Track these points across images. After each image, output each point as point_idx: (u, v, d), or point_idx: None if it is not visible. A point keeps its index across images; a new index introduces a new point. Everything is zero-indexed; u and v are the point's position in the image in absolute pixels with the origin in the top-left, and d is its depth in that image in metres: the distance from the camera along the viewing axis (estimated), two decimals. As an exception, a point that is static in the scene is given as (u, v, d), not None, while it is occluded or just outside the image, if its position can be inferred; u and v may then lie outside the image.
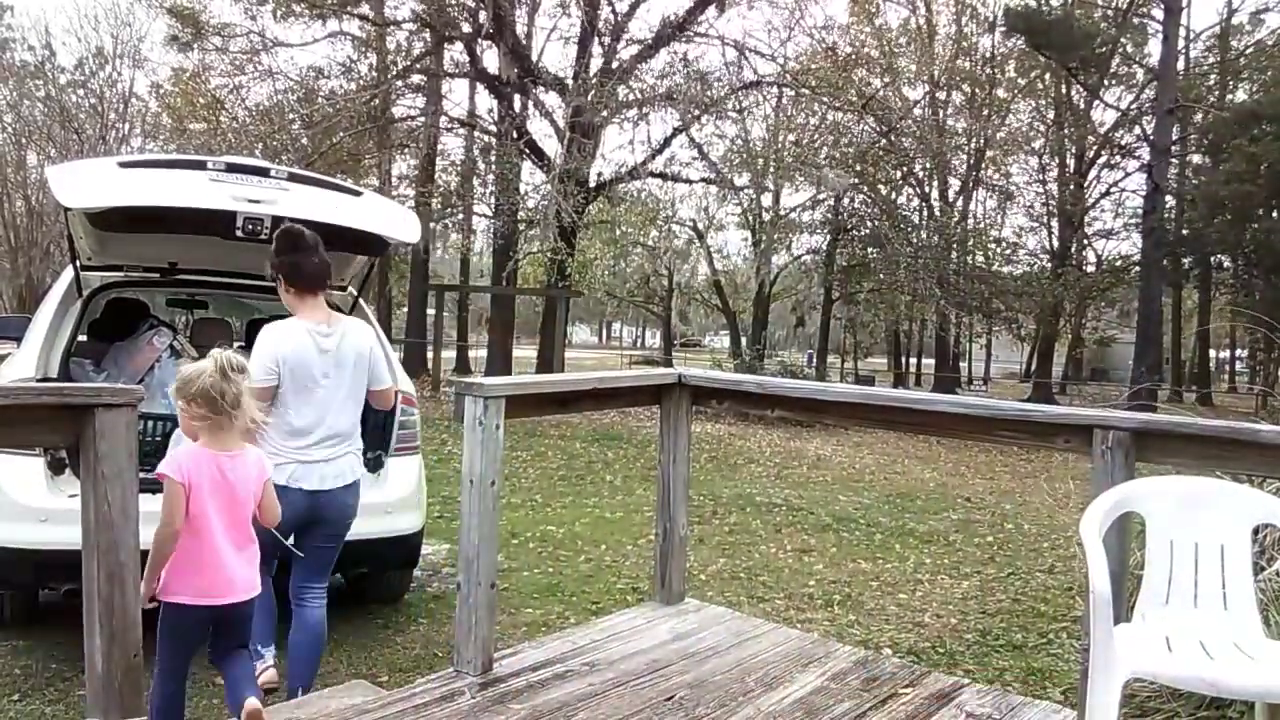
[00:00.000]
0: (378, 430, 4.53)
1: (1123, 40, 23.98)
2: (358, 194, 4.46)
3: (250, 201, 3.86)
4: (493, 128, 19.12)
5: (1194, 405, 26.01)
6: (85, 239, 4.46)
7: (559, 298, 18.48)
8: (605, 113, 16.51)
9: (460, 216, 20.76)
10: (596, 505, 8.15)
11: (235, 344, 5.84)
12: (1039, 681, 4.19)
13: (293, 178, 4.14)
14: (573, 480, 9.39)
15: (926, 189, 27.98)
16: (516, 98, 18.35)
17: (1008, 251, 29.01)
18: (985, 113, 25.85)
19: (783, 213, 25.93)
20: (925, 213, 26.72)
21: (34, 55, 25.48)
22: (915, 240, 22.78)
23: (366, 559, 4.53)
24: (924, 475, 11.52)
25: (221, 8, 29.88)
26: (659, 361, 32.20)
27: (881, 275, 24.28)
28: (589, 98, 15.94)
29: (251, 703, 2.51)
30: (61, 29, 56.22)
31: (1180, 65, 23.73)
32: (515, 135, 17.73)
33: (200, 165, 4.00)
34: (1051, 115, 28.97)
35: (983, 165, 27.14)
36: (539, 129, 18.76)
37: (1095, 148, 28.43)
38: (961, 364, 32.73)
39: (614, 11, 18.00)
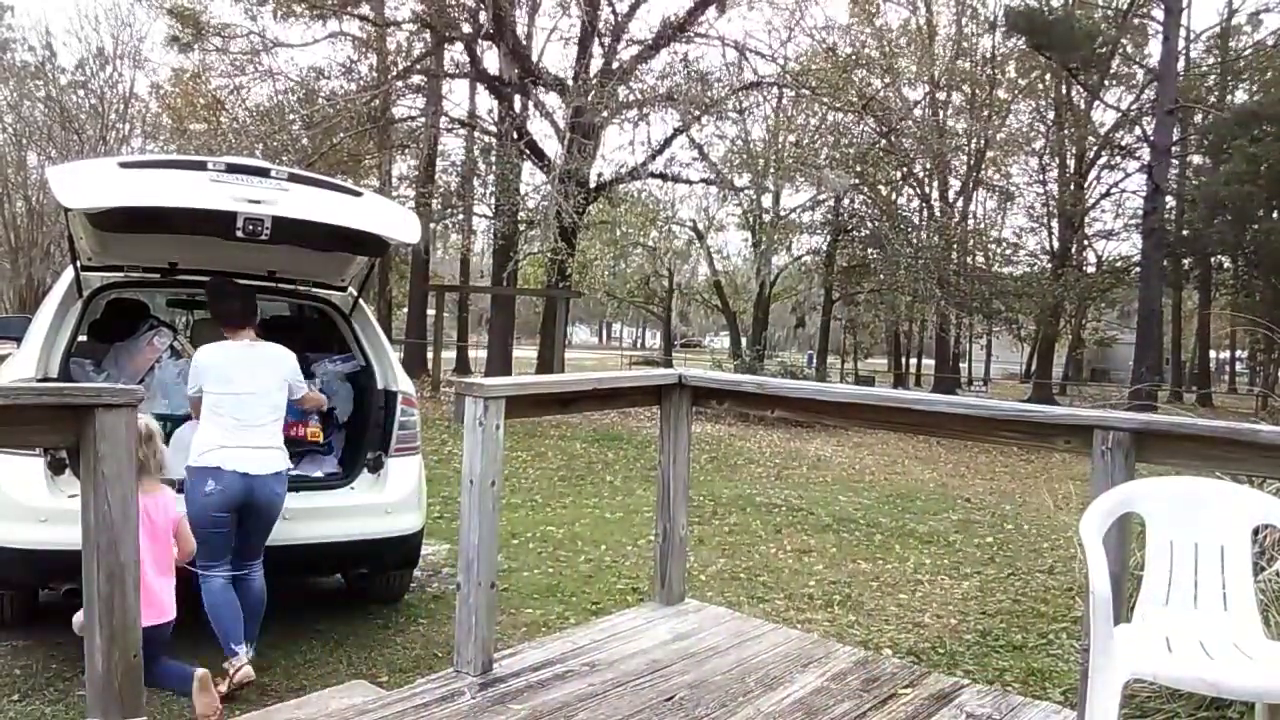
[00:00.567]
0: (377, 430, 4.54)
1: (1123, 40, 23.97)
2: (358, 194, 4.45)
3: (250, 202, 3.86)
4: (493, 128, 19.12)
5: (1194, 406, 26.01)
6: (85, 239, 4.46)
7: (559, 298, 18.48)
8: (605, 113, 16.51)
9: (460, 217, 20.75)
10: (596, 505, 8.15)
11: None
12: (1039, 682, 4.19)
13: (293, 178, 4.14)
14: (573, 480, 9.39)
15: (926, 189, 27.98)
16: (517, 98, 18.35)
17: (1008, 252, 29.05)
18: (985, 113, 25.85)
19: (783, 213, 25.92)
20: (925, 213, 26.73)
21: (34, 56, 25.52)
22: (915, 241, 22.77)
23: (366, 559, 4.54)
24: (924, 476, 11.52)
25: (222, 8, 29.78)
26: (659, 362, 32.21)
27: (881, 276, 24.28)
28: (589, 98, 15.94)
29: None
30: (62, 29, 56.30)
31: (1180, 65, 23.73)
32: (515, 136, 17.73)
33: (200, 166, 3.99)
34: (1051, 116, 28.97)
35: (983, 166, 27.15)
36: (539, 129, 18.78)
37: (1095, 148, 28.43)
38: (961, 364, 32.73)
39: (614, 12, 18.01)
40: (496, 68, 18.55)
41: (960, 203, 28.30)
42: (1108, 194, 29.80)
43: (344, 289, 5.17)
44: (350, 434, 4.82)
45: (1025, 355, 36.04)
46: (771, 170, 21.36)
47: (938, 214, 26.44)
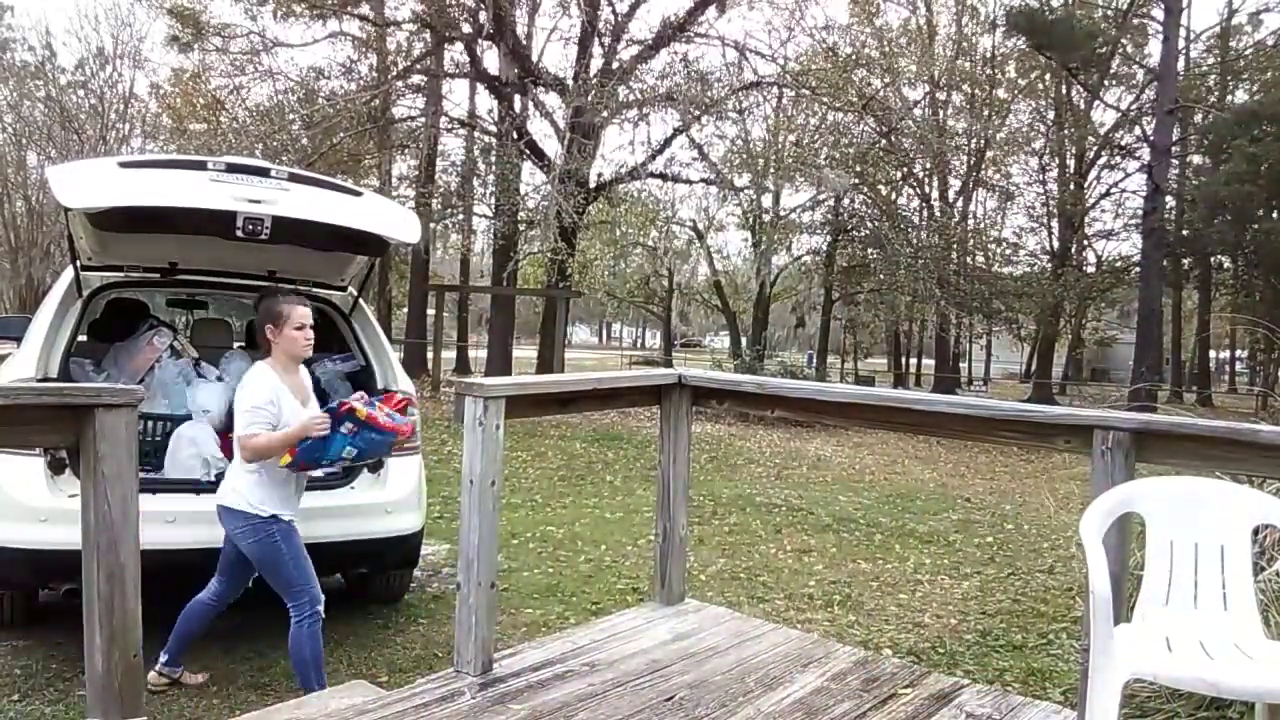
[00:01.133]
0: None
1: (1123, 40, 23.97)
2: (358, 194, 4.45)
3: (250, 202, 3.86)
4: (493, 128, 19.12)
5: (1194, 406, 26.01)
6: (85, 239, 4.46)
7: (559, 298, 18.48)
8: (605, 113, 16.51)
9: (460, 217, 20.75)
10: (596, 505, 8.15)
11: (236, 344, 5.85)
12: (1039, 682, 4.19)
13: (293, 178, 4.14)
14: (573, 480, 9.39)
15: (926, 189, 27.98)
16: (516, 98, 18.34)
17: (1008, 252, 29.04)
18: (985, 113, 25.84)
19: (783, 213, 25.92)
20: (925, 213, 26.72)
21: (34, 56, 25.54)
22: (915, 241, 22.77)
23: (366, 559, 4.54)
24: (924, 476, 11.52)
25: (222, 8, 29.78)
26: (659, 362, 32.20)
27: (881, 276, 24.28)
28: (589, 98, 15.94)
29: None
30: (62, 29, 56.27)
31: (1180, 65, 23.73)
32: (515, 136, 17.73)
33: (200, 165, 3.99)
34: (1051, 115, 28.96)
35: (983, 165, 27.13)
36: (539, 129, 18.78)
37: (1095, 148, 28.42)
38: (961, 364, 32.72)
39: (614, 12, 18.01)
40: (496, 68, 18.55)
41: (960, 203, 28.30)
42: (1108, 194, 29.82)
43: (344, 289, 5.17)
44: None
45: (1025, 355, 36.04)
46: (771, 170, 21.37)
47: (938, 214, 26.43)
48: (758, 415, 13.30)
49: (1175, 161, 23.77)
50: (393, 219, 4.46)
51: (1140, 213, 23.00)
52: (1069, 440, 2.89)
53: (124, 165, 4.01)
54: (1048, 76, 27.61)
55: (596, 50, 17.65)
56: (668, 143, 18.61)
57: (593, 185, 17.79)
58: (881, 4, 25.38)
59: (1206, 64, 28.22)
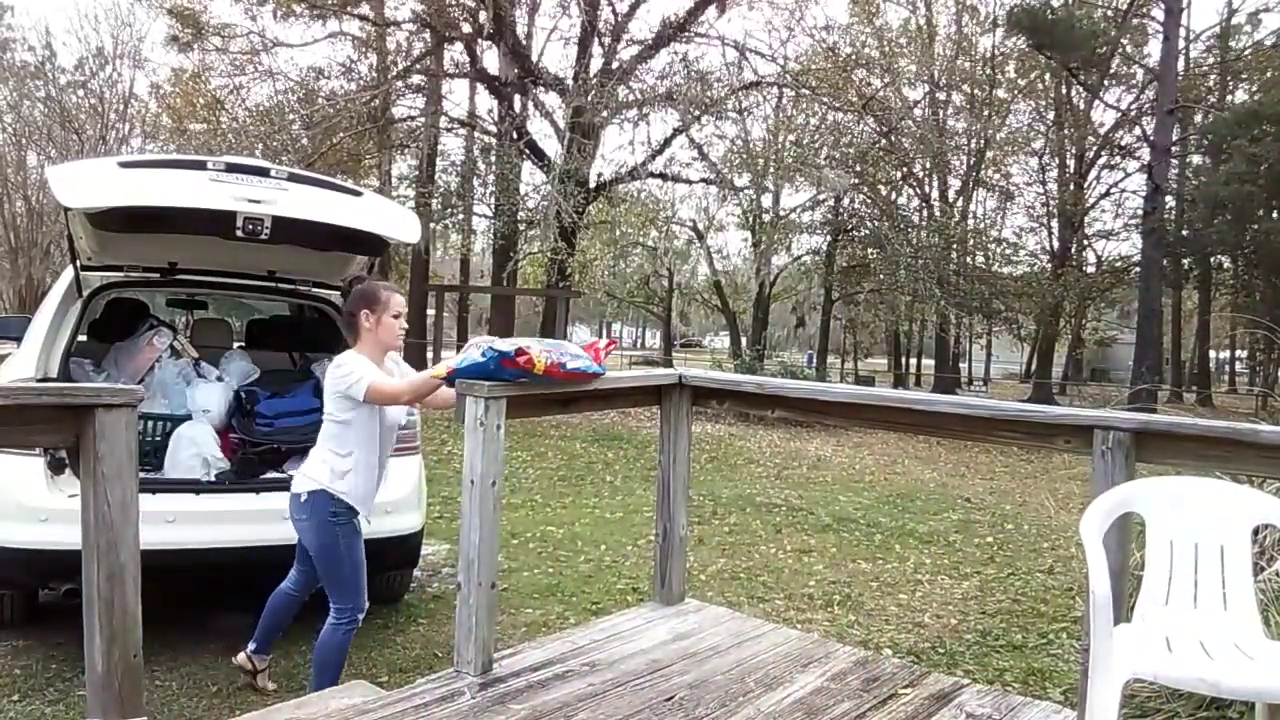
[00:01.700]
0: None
1: (1123, 40, 23.97)
2: (358, 194, 4.46)
3: (250, 201, 3.86)
4: (493, 128, 19.11)
5: (1194, 406, 26.01)
6: (85, 239, 4.46)
7: (559, 298, 18.47)
8: (605, 113, 16.51)
9: (460, 217, 20.73)
10: (596, 505, 8.15)
11: (236, 344, 5.85)
12: (1039, 682, 4.19)
13: (293, 178, 4.14)
14: (573, 480, 9.39)
15: (926, 189, 27.97)
16: (516, 98, 18.34)
17: (1008, 252, 29.02)
18: (985, 113, 25.84)
19: (783, 213, 25.90)
20: (925, 213, 26.71)
21: (34, 56, 25.53)
22: (915, 240, 22.75)
23: (367, 559, 4.53)
24: (924, 476, 11.52)
25: (221, 8, 29.86)
26: (659, 362, 32.18)
27: (881, 276, 24.26)
28: (589, 98, 15.94)
29: None
30: (62, 29, 56.28)
31: (1180, 65, 23.72)
32: (515, 135, 17.73)
33: (200, 165, 3.99)
34: (1051, 115, 28.95)
35: (983, 165, 27.12)
36: (539, 129, 18.77)
37: (1095, 148, 28.41)
38: (961, 364, 32.71)
39: (614, 12, 18.01)
40: (496, 68, 18.55)
41: (960, 202, 28.28)
42: (1108, 194, 29.81)
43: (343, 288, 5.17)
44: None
45: (1025, 355, 36.03)
46: (771, 170, 21.37)
47: (938, 214, 26.41)
48: (758, 415, 13.29)
49: (1175, 161, 23.76)
50: (392, 219, 4.46)
51: (1140, 213, 22.99)
52: (1069, 440, 2.89)
53: (124, 165, 4.01)
54: (1048, 76, 27.60)
55: (596, 50, 17.66)
56: (668, 143, 18.62)
57: (593, 185, 17.78)
58: (881, 4, 25.38)
59: (1206, 64, 28.21)
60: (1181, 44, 23.94)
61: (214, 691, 3.72)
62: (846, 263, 26.64)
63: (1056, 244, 29.71)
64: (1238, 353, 37.47)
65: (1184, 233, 22.91)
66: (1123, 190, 29.43)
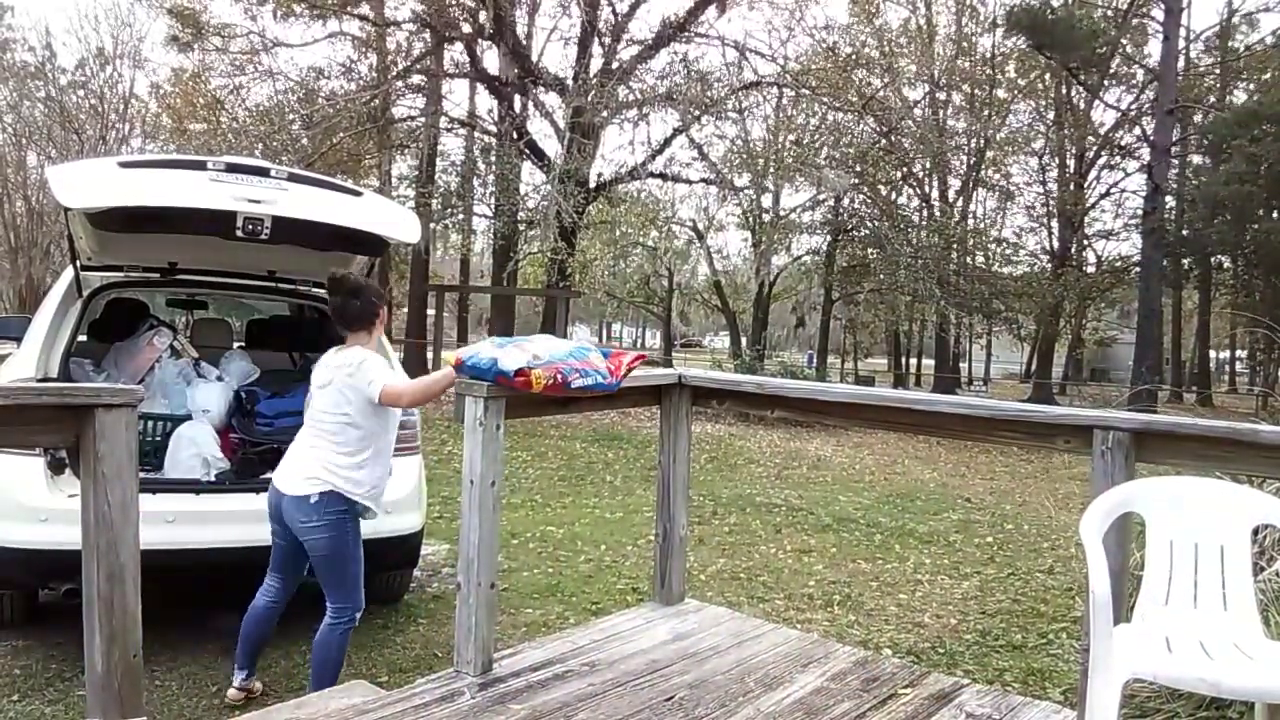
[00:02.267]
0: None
1: (1123, 40, 23.97)
2: (358, 194, 4.46)
3: (250, 201, 3.86)
4: (493, 128, 19.11)
5: (1194, 406, 26.02)
6: (85, 239, 4.46)
7: (559, 298, 18.47)
8: (605, 113, 16.50)
9: (460, 217, 20.73)
10: (596, 505, 8.15)
11: (236, 344, 5.85)
12: (1039, 682, 4.19)
13: (293, 178, 4.14)
14: (573, 480, 9.39)
15: (926, 189, 27.96)
16: (516, 98, 18.34)
17: (1008, 252, 29.02)
18: (985, 113, 25.84)
19: (783, 213, 25.89)
20: (925, 213, 26.70)
21: (34, 56, 25.55)
22: (915, 240, 22.74)
23: (366, 559, 4.53)
24: (924, 476, 11.51)
25: (221, 8, 29.90)
26: (659, 362, 32.18)
27: (881, 276, 24.25)
28: (589, 98, 15.93)
29: None
30: (62, 29, 56.31)
31: (1180, 65, 23.72)
32: (515, 135, 17.73)
33: (200, 165, 3.99)
34: (1051, 115, 28.95)
35: (983, 165, 27.12)
36: (539, 129, 18.77)
37: (1095, 148, 28.41)
38: (961, 364, 32.70)
39: (614, 12, 18.00)
40: (496, 68, 18.54)
41: (960, 202, 28.28)
42: (1108, 194, 29.81)
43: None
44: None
45: (1025, 355, 36.02)
46: (771, 170, 21.36)
47: (938, 214, 26.41)
48: (758, 415, 13.29)
49: (1175, 161, 23.76)
50: (392, 219, 4.46)
51: (1140, 213, 22.99)
52: (1069, 440, 2.89)
53: (124, 165, 4.01)
54: (1048, 76, 27.60)
55: (596, 50, 17.65)
56: (668, 143, 18.62)
57: (593, 185, 17.78)
58: (881, 4, 25.38)
59: (1206, 64, 28.21)
60: (1181, 44, 23.95)
61: (214, 691, 3.72)
62: (846, 263, 26.63)
63: (1056, 244, 29.71)
64: (1238, 353, 37.49)
65: (1184, 233, 22.91)
66: (1123, 190, 29.47)
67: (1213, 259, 25.63)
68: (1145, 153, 24.36)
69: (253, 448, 4.49)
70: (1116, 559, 2.54)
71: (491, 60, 18.83)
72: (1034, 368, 30.97)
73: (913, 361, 36.48)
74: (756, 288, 26.31)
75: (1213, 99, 25.86)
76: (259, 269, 4.83)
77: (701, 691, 2.94)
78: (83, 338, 4.67)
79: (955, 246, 24.18)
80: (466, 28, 17.80)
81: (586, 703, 2.83)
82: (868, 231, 24.41)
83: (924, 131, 22.97)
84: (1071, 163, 29.15)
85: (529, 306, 32.06)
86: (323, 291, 5.05)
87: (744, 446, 12.91)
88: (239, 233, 3.90)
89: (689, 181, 20.77)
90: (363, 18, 19.04)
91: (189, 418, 4.45)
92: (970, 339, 31.63)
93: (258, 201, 3.87)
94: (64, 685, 3.71)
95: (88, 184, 3.93)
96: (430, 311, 23.36)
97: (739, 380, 4.02)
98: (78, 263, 4.52)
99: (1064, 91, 28.23)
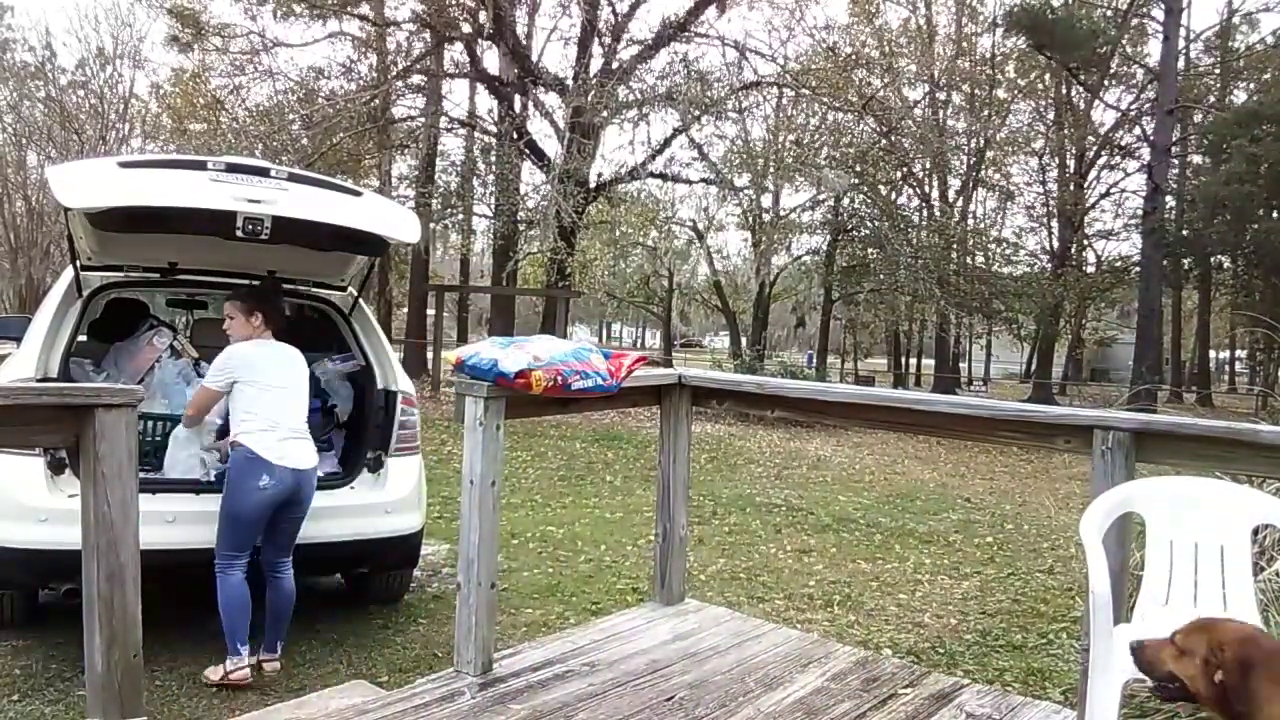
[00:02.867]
0: (377, 430, 4.53)
1: (1123, 40, 23.97)
2: (358, 194, 4.45)
3: (250, 201, 3.86)
4: (493, 128, 19.12)
5: (1194, 406, 26.01)
6: (85, 239, 4.45)
7: (559, 298, 18.48)
8: (605, 113, 16.51)
9: (460, 217, 20.74)
10: (596, 505, 8.15)
11: None
12: (1039, 682, 4.19)
13: (293, 178, 4.14)
14: (573, 480, 9.39)
15: (926, 189, 27.97)
16: (516, 98, 18.34)
17: (1008, 252, 29.01)
18: (985, 113, 25.85)
19: (783, 213, 25.89)
20: (925, 213, 26.71)
21: (34, 56, 25.55)
22: (915, 241, 22.75)
23: (366, 559, 4.54)
24: (924, 476, 11.51)
25: (221, 8, 29.93)
26: (659, 362, 32.17)
27: (881, 276, 24.25)
28: (589, 98, 15.94)
29: None
30: (62, 29, 56.38)
31: (1180, 65, 23.72)
32: (515, 135, 17.73)
33: (200, 165, 3.99)
34: (1051, 115, 28.96)
35: (983, 165, 27.13)
36: (539, 129, 18.78)
37: (1095, 148, 28.42)
38: (961, 365, 32.71)
39: (614, 12, 18.01)
40: (496, 68, 18.56)
41: (960, 202, 28.29)
42: (1108, 194, 29.82)
43: (344, 289, 5.17)
44: (350, 434, 4.82)
45: (1025, 355, 36.01)
46: (771, 170, 21.35)
47: (938, 214, 26.42)
48: (758, 415, 13.29)
49: (1175, 161, 23.76)
50: (392, 219, 4.45)
51: (1140, 213, 23.00)
52: (1069, 440, 2.89)
53: (124, 165, 4.01)
54: (1048, 76, 27.61)
55: (596, 50, 17.67)
56: (667, 143, 18.63)
57: (592, 185, 17.79)
58: (881, 4, 25.39)
59: (1206, 64, 28.21)
60: (1181, 44, 23.95)
61: (214, 691, 3.72)
62: (846, 263, 26.62)
63: (1056, 244, 29.72)
64: (1238, 353, 37.49)
65: (1184, 233, 22.91)
66: (1123, 190, 29.48)
67: (1213, 259, 25.62)
68: (1145, 153, 24.38)
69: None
70: (1116, 559, 2.54)
71: (491, 60, 18.85)
72: (1034, 368, 30.98)
73: (913, 361, 36.49)
74: (756, 288, 26.32)
75: (1213, 99, 25.87)
76: (259, 269, 4.82)
77: (702, 691, 2.94)
78: (83, 338, 4.66)
79: (955, 246, 24.19)
80: (466, 28, 17.81)
81: (586, 703, 2.83)
82: (868, 231, 24.41)
83: (924, 131, 22.98)
84: (1071, 163, 29.15)
85: (529, 306, 32.06)
86: (324, 291, 5.07)
87: (744, 446, 12.91)
88: (239, 233, 3.89)
89: (689, 181, 20.79)
90: (363, 18, 19.05)
91: (189, 418, 4.44)
92: (970, 339, 31.64)
93: (258, 201, 3.87)
94: (64, 685, 3.71)
95: (88, 184, 3.92)
96: (430, 311, 23.37)
97: (739, 380, 4.02)
98: (78, 263, 4.51)
99: (1064, 91, 28.24)
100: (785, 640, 3.51)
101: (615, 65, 17.18)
